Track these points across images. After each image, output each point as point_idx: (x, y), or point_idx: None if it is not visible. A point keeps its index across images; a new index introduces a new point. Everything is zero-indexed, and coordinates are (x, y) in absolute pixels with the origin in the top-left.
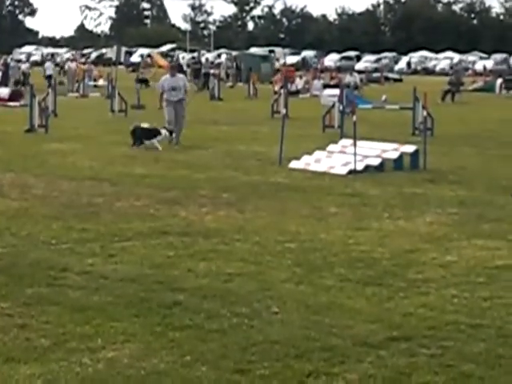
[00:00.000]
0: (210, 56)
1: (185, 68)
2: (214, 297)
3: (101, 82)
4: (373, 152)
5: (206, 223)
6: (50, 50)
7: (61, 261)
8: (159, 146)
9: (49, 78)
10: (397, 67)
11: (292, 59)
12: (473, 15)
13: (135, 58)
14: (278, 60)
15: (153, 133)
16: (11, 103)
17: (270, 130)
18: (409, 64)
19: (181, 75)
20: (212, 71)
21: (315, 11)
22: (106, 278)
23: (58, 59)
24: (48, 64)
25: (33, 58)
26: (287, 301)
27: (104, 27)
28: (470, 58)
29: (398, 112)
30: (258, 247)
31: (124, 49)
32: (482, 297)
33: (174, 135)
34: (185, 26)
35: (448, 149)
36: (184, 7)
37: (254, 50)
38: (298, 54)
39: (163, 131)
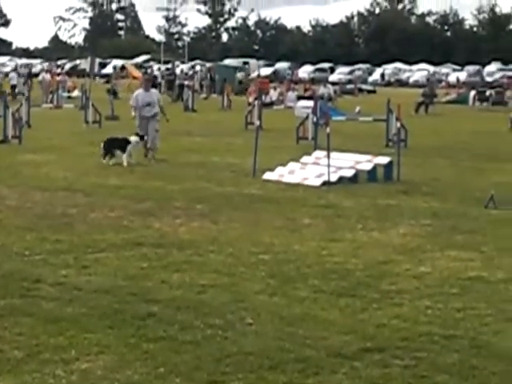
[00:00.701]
0: (185, 67)
1: (159, 79)
2: (187, 308)
3: (75, 93)
4: (346, 163)
5: (179, 234)
6: (24, 60)
7: (34, 272)
8: (125, 162)
9: (13, 87)
10: (371, 79)
11: (266, 71)
12: (446, 27)
13: (108, 70)
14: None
15: (123, 142)
16: None
17: (244, 141)
18: (382, 76)
19: (154, 90)
20: (186, 82)
21: (289, 23)
22: (80, 289)
23: (23, 69)
24: (12, 74)
25: (5, 69)
26: (261, 312)
27: (78, 38)
28: (444, 69)
29: (372, 124)
30: (231, 258)
31: (98, 60)
32: (456, 308)
33: (146, 138)
34: (159, 38)
35: (422, 160)
36: (158, 19)
37: (228, 61)
38: (272, 65)
39: (133, 138)
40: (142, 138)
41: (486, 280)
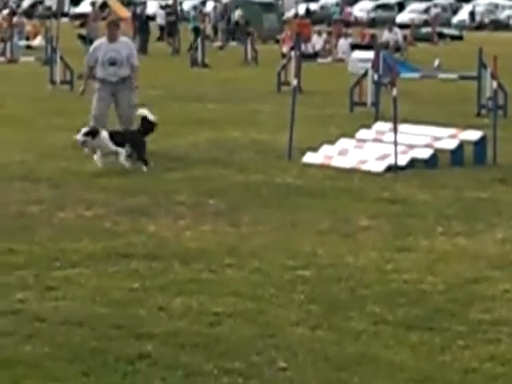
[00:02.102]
0: (190, 4)
1: (160, 21)
2: (195, 346)
3: (36, 42)
4: (421, 140)
5: (184, 242)
6: None
7: None
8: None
9: None
10: (455, 19)
11: (307, 8)
12: None
13: (84, 8)
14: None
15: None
16: None
17: (275, 109)
18: (472, 15)
19: (125, 39)
20: (191, 25)
21: None
22: (43, 320)
23: None
24: None
25: None
26: (299, 352)
27: None
28: None
29: (457, 83)
30: (257, 276)
31: None
32: None
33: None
34: None
35: None
36: None
37: None
38: (315, 0)
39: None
40: (93, 133)
41: None
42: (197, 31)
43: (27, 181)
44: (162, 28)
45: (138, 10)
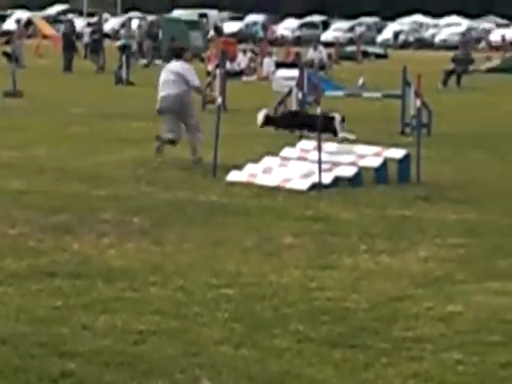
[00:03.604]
0: (116, 22)
1: (86, 39)
2: (119, 365)
3: None
4: (345, 158)
5: (108, 260)
6: None
7: None
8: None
9: None
10: (380, 38)
11: (232, 26)
12: None
13: (10, 25)
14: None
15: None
16: None
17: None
18: (396, 34)
19: None
20: (118, 43)
21: None
22: None
23: None
24: None
25: None
26: (223, 370)
27: None
28: (484, 24)
29: (382, 101)
30: (181, 294)
31: None
32: (498, 362)
33: None
34: None
35: (451, 153)
36: None
37: (178, 13)
38: (240, 18)
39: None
40: None
41: None
42: (123, 49)
43: None
44: (87, 46)
45: (64, 27)
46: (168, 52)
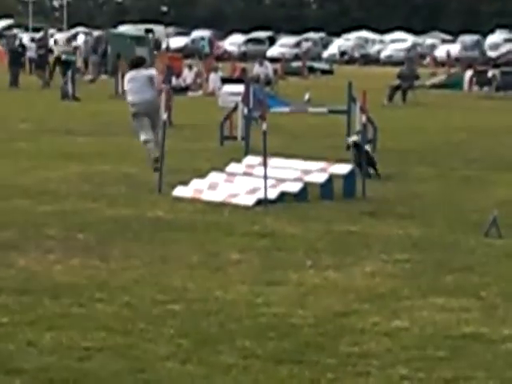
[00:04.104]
0: (62, 37)
1: (32, 54)
2: (64, 381)
3: None
4: (291, 174)
5: (53, 276)
6: None
7: None
8: None
9: None
10: (326, 53)
11: (178, 42)
12: None
13: None
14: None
15: None
16: None
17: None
18: (342, 52)
19: None
20: (64, 57)
21: None
22: None
23: None
24: None
25: None
26: None
27: None
28: (429, 40)
29: (327, 117)
30: (127, 310)
31: None
32: (443, 378)
33: None
34: None
35: (396, 169)
36: None
37: (124, 28)
38: (186, 34)
39: None
40: None
41: (486, 338)
42: (67, 64)
43: None
44: (32, 61)
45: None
46: (129, 62)
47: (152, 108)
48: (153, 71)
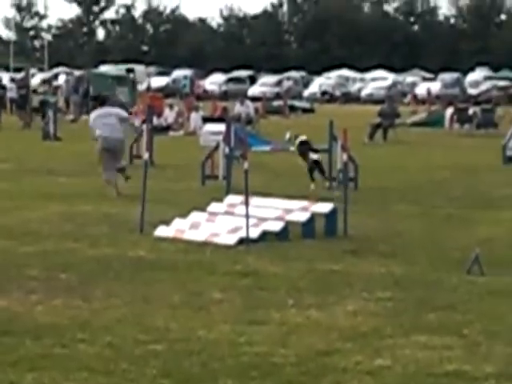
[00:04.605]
0: (43, 76)
1: (13, 94)
2: None
3: None
4: (272, 213)
5: (35, 317)
6: None
7: None
8: None
9: None
10: (307, 92)
11: (159, 81)
12: (413, 19)
13: None
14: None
15: None
16: None
17: (127, 182)
18: (324, 91)
19: None
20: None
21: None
22: None
23: None
24: None
25: None
26: None
27: None
28: (409, 78)
29: None
30: (110, 351)
31: None
32: None
33: None
34: (7, 34)
35: (378, 207)
36: (6, 8)
37: (105, 68)
38: (167, 73)
39: None
40: None
41: (469, 376)
42: (45, 104)
43: None
44: (12, 101)
45: None
46: (93, 100)
47: (120, 146)
48: (119, 109)
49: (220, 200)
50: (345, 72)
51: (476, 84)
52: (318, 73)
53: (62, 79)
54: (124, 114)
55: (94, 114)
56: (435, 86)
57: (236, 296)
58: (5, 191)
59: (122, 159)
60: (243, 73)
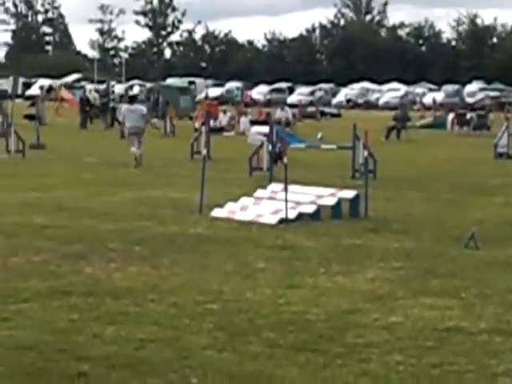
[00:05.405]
0: (121, 88)
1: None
2: (123, 366)
3: None
4: (307, 198)
5: (114, 281)
6: None
7: None
8: None
9: None
10: (335, 100)
11: (215, 91)
12: (421, 41)
13: (34, 90)
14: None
15: None
16: None
17: (189, 173)
18: (348, 98)
19: None
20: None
21: (241, 37)
22: None
23: None
24: None
25: None
26: (208, 370)
27: None
28: (418, 89)
29: (336, 152)
30: (174, 309)
31: (22, 79)
32: (431, 363)
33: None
34: (92, 54)
35: (393, 193)
36: (91, 32)
37: (171, 80)
38: (221, 85)
39: None
40: None
41: (466, 331)
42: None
43: None
44: (97, 108)
45: (80, 93)
46: (128, 98)
47: (141, 131)
48: (141, 106)
49: (264, 187)
50: (366, 84)
51: (473, 94)
52: (344, 85)
53: (136, 90)
54: (144, 111)
55: (124, 106)
56: (439, 96)
57: (277, 265)
58: (90, 180)
59: (143, 139)
60: (283, 84)
